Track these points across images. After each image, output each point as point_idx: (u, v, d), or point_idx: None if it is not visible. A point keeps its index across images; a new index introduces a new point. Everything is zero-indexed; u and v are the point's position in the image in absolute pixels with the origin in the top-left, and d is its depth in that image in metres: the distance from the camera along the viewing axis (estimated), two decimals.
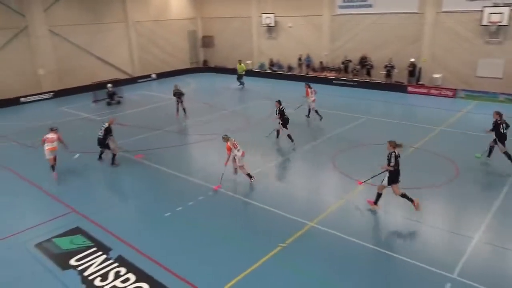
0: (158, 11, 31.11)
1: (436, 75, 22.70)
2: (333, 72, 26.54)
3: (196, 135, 16.78)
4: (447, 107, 19.89)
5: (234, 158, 11.61)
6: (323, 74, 26.86)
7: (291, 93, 24.08)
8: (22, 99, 24.14)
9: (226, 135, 11.77)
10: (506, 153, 12.18)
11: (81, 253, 8.61)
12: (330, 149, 14.34)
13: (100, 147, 13.78)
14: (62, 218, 10.13)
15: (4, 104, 23.11)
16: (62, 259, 8.43)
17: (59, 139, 12.65)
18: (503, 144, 12.20)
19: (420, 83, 23.23)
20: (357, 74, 25.49)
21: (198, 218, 9.99)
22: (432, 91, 22.40)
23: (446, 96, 21.87)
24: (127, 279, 7.72)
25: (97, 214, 10.29)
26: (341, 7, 25.67)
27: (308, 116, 18.35)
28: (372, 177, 10.61)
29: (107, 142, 13.48)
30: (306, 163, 13.65)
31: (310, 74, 27.44)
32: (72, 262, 8.32)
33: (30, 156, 15.02)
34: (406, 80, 23.52)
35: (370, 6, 24.35)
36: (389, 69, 23.74)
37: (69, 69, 26.28)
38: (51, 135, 12.50)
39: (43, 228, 9.72)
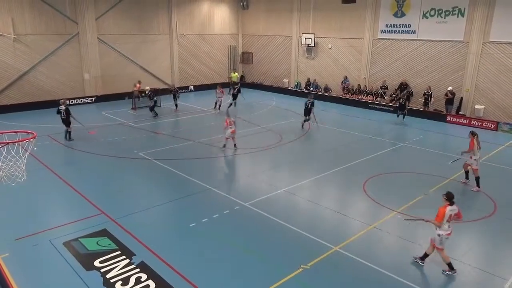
0: (202, 25, 32.02)
1: (478, 106, 21.93)
2: (370, 96, 26.20)
3: (227, 149, 16.89)
4: (488, 140, 19.04)
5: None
6: (359, 97, 26.57)
7: (326, 114, 23.97)
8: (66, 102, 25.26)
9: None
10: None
11: (105, 255, 8.77)
12: (362, 173, 14.04)
13: (66, 126, 17.16)
14: (90, 219, 10.40)
15: (49, 105, 24.18)
16: (87, 260, 8.62)
17: (234, 123, 16.28)
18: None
19: (461, 113, 22.51)
20: (394, 99, 25.04)
21: (222, 231, 9.97)
22: (473, 122, 21.60)
23: (487, 128, 21.02)
24: (147, 286, 7.76)
25: (124, 218, 10.50)
26: (383, 31, 25.46)
27: (215, 108, 24.43)
28: None
29: (69, 120, 17.00)
30: (335, 185, 13.42)
31: (346, 97, 27.23)
32: (96, 263, 8.48)
33: (68, 156, 15.65)
34: (444, 109, 22.88)
35: (413, 32, 24.00)
36: (427, 97, 23.21)
37: (112, 76, 27.37)
38: (230, 119, 16.06)
39: (72, 227, 10.00)
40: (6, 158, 8.94)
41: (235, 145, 16.52)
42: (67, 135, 17.47)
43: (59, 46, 24.88)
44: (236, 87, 26.08)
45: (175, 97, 24.77)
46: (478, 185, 12.85)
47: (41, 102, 24.29)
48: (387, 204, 11.54)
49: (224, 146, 16.54)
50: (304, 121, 20.50)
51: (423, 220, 8.77)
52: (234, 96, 25.37)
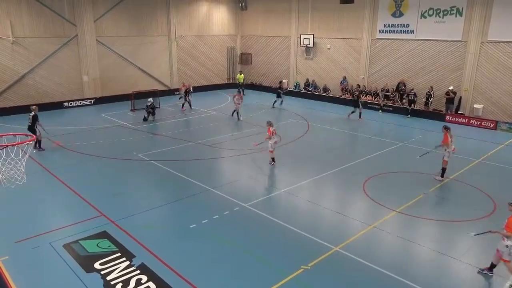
0: (201, 27, 32.04)
1: (477, 106, 21.95)
2: (369, 96, 26.22)
3: (227, 150, 16.91)
4: (487, 139, 19.13)
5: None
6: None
7: (326, 114, 24.02)
8: (65, 104, 25.31)
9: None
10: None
11: (105, 257, 8.77)
12: (361, 173, 14.05)
13: (32, 133, 15.29)
14: (91, 221, 10.39)
15: (48, 108, 24.27)
16: (87, 262, 8.61)
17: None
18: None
19: (460, 112, 22.54)
20: (392, 100, 25.05)
21: (222, 232, 9.97)
22: (472, 121, 21.64)
23: (486, 127, 21.05)
24: None
25: (124, 219, 10.49)
26: (382, 31, 25.49)
27: (232, 115, 22.50)
28: None
29: (35, 128, 15.65)
30: (335, 185, 13.42)
31: (345, 97, 27.24)
32: (97, 265, 8.48)
33: (68, 158, 15.64)
34: (445, 108, 22.90)
35: (412, 32, 24.02)
36: (428, 97, 23.25)
37: (111, 77, 27.38)
38: (274, 128, 14.58)
39: (72, 229, 10.00)
40: (6, 161, 8.94)
41: (273, 159, 14.73)
42: (37, 144, 15.99)
43: (58, 48, 24.88)
44: (282, 89, 26.69)
45: (188, 96, 24.97)
46: (442, 175, 13.45)
47: (40, 104, 24.10)
48: (387, 204, 11.54)
49: (273, 160, 14.72)
50: (352, 112, 22.58)
51: (490, 232, 8.34)
52: (278, 94, 26.12)
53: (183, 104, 25.19)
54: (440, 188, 12.99)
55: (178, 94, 27.36)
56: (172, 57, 30.61)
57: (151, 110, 22.17)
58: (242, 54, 34.98)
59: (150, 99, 22.51)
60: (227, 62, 34.59)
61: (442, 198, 12.40)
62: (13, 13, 22.94)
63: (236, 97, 22.73)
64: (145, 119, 22.05)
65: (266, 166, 15.01)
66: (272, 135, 14.36)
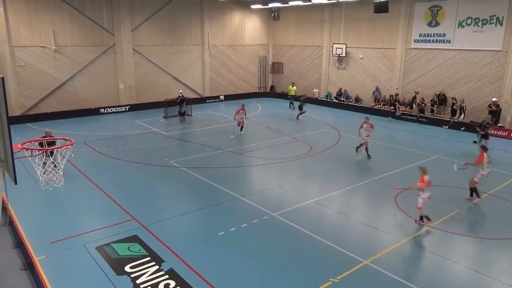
0: (233, 36, 32.48)
1: None
2: (403, 106, 25.63)
3: (256, 158, 16.95)
4: None
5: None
6: (391, 108, 26.03)
7: (358, 125, 23.65)
8: (102, 110, 26.23)
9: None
10: None
11: (136, 261, 8.94)
12: (394, 185, 13.67)
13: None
14: (123, 225, 10.65)
15: (85, 113, 25.28)
16: (118, 264, 8.81)
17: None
18: None
19: (499, 125, 21.63)
20: (424, 110, 24.39)
21: (250, 241, 9.96)
22: None
23: None
24: None
25: (155, 224, 10.68)
26: (417, 41, 24.95)
27: (357, 151, 17.07)
28: None
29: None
30: (366, 197, 13.14)
31: (377, 107, 26.77)
32: (127, 268, 8.65)
33: (103, 163, 16.13)
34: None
35: (448, 41, 23.39)
36: (460, 109, 22.50)
37: (146, 85, 28.14)
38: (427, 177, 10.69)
39: (105, 232, 10.27)
40: (46, 164, 9.33)
41: (421, 218, 10.92)
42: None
43: (97, 56, 25.86)
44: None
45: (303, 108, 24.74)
46: (472, 195, 12.62)
47: (78, 110, 25.28)
48: (420, 218, 11.17)
49: (422, 219, 10.88)
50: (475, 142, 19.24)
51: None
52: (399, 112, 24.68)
53: (298, 115, 24.93)
54: (476, 204, 12.46)
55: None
56: (205, 66, 31.15)
57: (182, 104, 23.99)
58: (273, 63, 35.15)
59: (181, 91, 24.54)
60: (258, 71, 34.84)
61: (479, 214, 11.90)
62: (57, 23, 24.05)
63: (364, 126, 16.59)
64: (179, 114, 24.06)
65: (296, 176, 14.88)
66: (426, 186, 10.75)
